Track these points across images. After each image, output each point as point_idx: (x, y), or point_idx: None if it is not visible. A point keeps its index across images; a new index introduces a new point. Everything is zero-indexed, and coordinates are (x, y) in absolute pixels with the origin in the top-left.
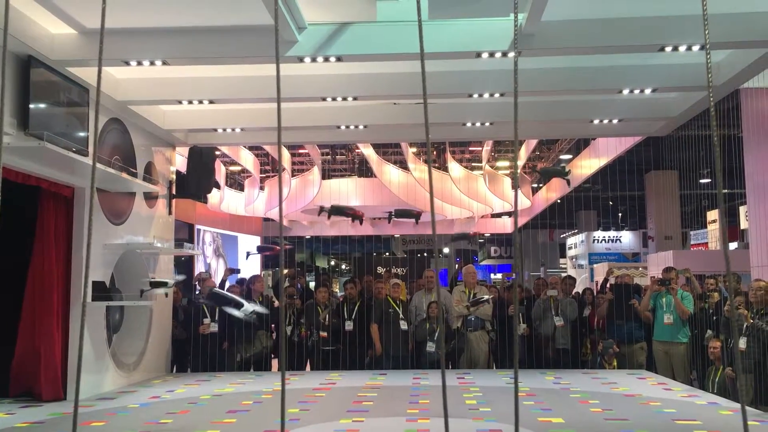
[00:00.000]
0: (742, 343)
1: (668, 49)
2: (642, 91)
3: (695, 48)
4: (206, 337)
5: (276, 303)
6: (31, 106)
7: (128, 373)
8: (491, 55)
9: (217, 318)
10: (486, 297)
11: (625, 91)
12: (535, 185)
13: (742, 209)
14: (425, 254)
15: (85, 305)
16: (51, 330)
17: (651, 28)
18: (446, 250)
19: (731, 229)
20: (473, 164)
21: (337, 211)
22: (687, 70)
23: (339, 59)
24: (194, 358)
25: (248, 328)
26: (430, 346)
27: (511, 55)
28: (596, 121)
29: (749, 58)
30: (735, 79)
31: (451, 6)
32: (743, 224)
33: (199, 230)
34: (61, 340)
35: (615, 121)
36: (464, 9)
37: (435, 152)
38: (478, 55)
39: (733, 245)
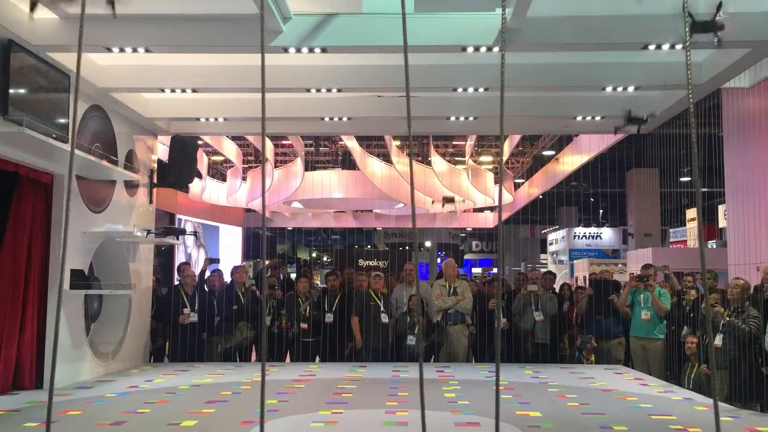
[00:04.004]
0: (718, 340)
1: (651, 47)
2: (625, 88)
3: (678, 47)
4: (185, 327)
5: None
6: (11, 91)
7: (106, 362)
8: (476, 49)
9: (197, 308)
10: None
11: (608, 89)
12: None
13: (721, 208)
14: (407, 247)
15: (61, 293)
16: (20, 321)
17: (634, 27)
18: (428, 243)
19: (710, 228)
20: (456, 158)
21: None
22: (669, 69)
23: (324, 50)
24: (173, 348)
25: (229, 319)
26: (411, 340)
27: (496, 50)
28: (579, 118)
29: (730, 59)
30: (716, 78)
31: (437, 0)
32: (722, 223)
33: (180, 220)
34: (36, 329)
35: (597, 118)
36: (450, 3)
37: (418, 146)
38: (463, 49)
39: (711, 243)
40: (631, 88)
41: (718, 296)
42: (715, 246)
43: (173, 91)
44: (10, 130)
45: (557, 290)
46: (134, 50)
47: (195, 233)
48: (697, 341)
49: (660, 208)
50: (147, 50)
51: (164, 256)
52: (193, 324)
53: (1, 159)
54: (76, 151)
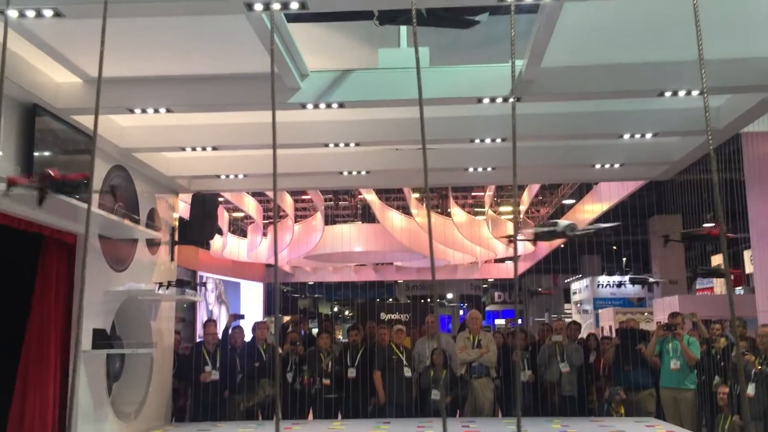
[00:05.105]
0: (751, 389)
1: (668, 94)
2: (643, 135)
3: (694, 93)
4: (207, 385)
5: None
6: (36, 153)
7: (128, 423)
8: (492, 100)
9: (218, 366)
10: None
11: (626, 136)
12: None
13: (747, 253)
14: (429, 300)
15: (78, 353)
16: (46, 382)
17: (650, 74)
18: (450, 295)
19: (736, 274)
20: (476, 209)
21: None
22: (687, 115)
23: (341, 105)
24: (194, 407)
25: (251, 376)
26: (435, 394)
27: (512, 100)
28: (598, 166)
29: (749, 103)
30: (735, 123)
31: (452, 53)
32: (748, 268)
33: (201, 276)
34: (59, 389)
35: (617, 166)
36: (465, 55)
37: (437, 197)
38: (479, 100)
39: (738, 290)
40: (648, 135)
41: (747, 344)
42: (742, 292)
43: (194, 149)
44: (35, 192)
45: (584, 339)
46: (156, 111)
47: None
48: (729, 391)
49: (684, 255)
50: (168, 110)
51: (187, 313)
52: (214, 382)
53: (25, 221)
54: (100, 211)
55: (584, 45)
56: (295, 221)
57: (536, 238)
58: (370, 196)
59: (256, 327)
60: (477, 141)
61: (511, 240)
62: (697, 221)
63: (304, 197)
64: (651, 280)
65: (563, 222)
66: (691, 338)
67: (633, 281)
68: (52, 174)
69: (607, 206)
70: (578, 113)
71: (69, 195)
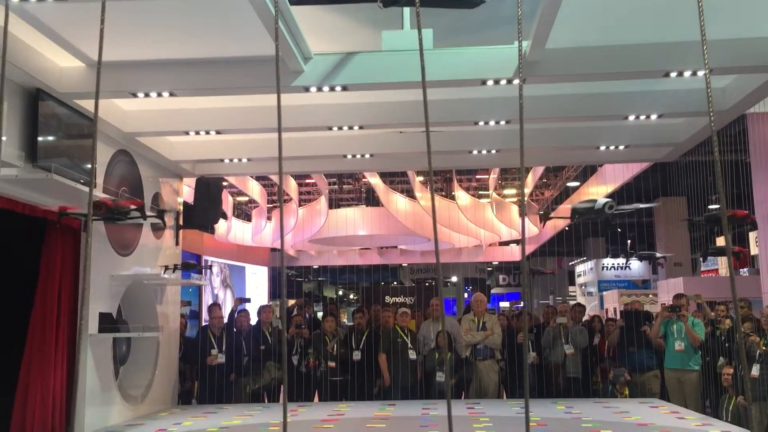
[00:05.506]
0: (755, 370)
1: (673, 74)
2: (648, 117)
3: (700, 73)
4: (213, 368)
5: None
6: (39, 138)
7: (135, 406)
8: (496, 82)
9: (224, 349)
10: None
11: (631, 117)
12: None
13: (752, 235)
14: (433, 283)
15: (80, 337)
16: (51, 366)
17: (655, 54)
18: (454, 278)
19: (743, 252)
20: (480, 192)
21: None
22: (692, 96)
23: (344, 88)
24: (201, 390)
25: (256, 359)
26: (440, 376)
27: (516, 82)
28: (603, 148)
29: (754, 83)
30: (741, 104)
31: (456, 34)
32: (753, 250)
33: (206, 261)
34: (66, 373)
35: (621, 148)
36: (469, 37)
37: (441, 180)
38: (483, 82)
39: (743, 271)
40: (654, 116)
41: (752, 325)
42: (747, 273)
43: (198, 133)
44: (39, 176)
45: (589, 321)
46: (159, 94)
47: (212, 267)
48: (734, 372)
49: (689, 237)
50: (171, 94)
51: (192, 297)
52: (220, 365)
53: (30, 205)
54: (105, 196)
55: (589, 26)
56: (299, 205)
57: (574, 215)
58: (374, 180)
59: (262, 310)
60: (481, 123)
61: (547, 218)
62: (702, 204)
63: (308, 181)
64: (658, 255)
65: (602, 200)
66: (696, 320)
67: (640, 257)
68: (107, 203)
69: (611, 188)
70: (583, 95)
71: (118, 221)
